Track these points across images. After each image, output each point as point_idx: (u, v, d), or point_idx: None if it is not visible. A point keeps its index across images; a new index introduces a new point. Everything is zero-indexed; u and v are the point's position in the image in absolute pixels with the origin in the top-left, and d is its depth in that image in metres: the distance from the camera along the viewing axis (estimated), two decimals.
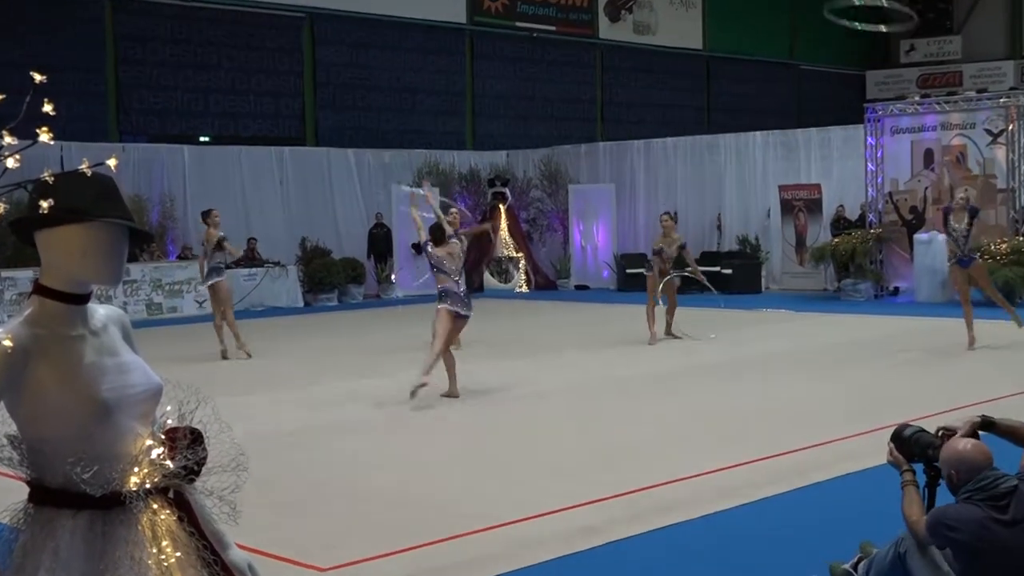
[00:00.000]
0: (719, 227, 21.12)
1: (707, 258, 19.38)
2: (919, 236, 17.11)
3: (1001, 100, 17.57)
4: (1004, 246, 16.14)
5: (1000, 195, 17.01)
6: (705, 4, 29.91)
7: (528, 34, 26.02)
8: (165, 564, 2.35)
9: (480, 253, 20.53)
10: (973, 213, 11.48)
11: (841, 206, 19.35)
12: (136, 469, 2.36)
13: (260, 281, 18.63)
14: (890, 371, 10.53)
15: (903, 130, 17.93)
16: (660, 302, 13.00)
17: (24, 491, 2.41)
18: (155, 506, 2.39)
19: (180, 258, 18.53)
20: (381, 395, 9.52)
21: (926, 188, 17.62)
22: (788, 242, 20.02)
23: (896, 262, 17.97)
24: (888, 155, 17.98)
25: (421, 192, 11.21)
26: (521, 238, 22.31)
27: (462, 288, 9.51)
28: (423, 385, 9.09)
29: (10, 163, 2.12)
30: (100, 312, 2.48)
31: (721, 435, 7.71)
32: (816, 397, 9.20)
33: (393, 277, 20.52)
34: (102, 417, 2.33)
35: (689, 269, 13.64)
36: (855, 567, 4.38)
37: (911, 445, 4.16)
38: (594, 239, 22.02)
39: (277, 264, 19.13)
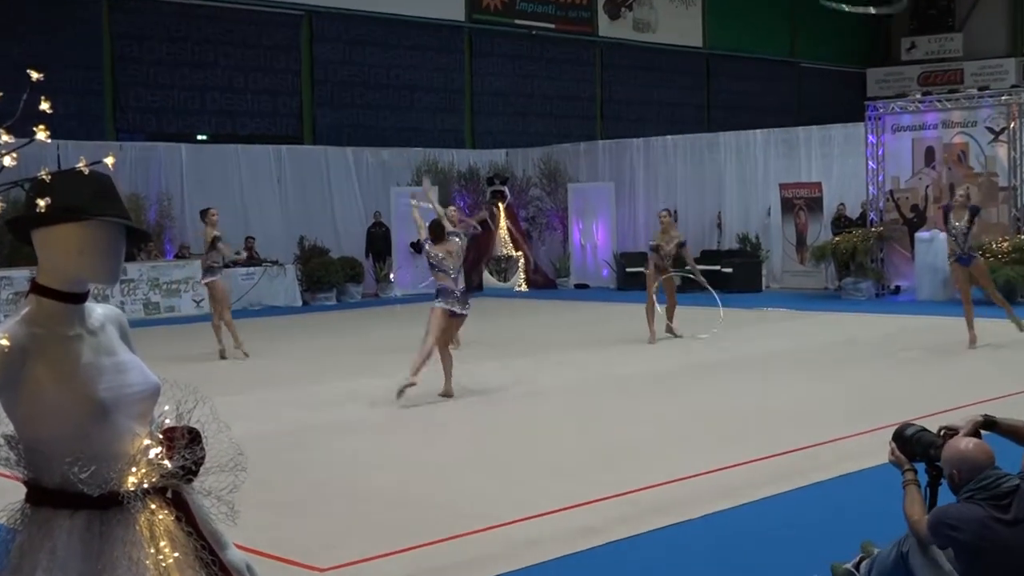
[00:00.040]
0: (719, 226, 21.10)
1: (707, 257, 19.39)
2: (920, 234, 17.11)
3: (1002, 98, 17.54)
4: (1006, 244, 16.13)
5: (1002, 193, 16.99)
6: (705, 1, 29.90)
7: (527, 32, 26.00)
8: (163, 564, 2.34)
9: (479, 252, 20.51)
10: (974, 212, 11.47)
11: (842, 204, 19.33)
12: (134, 469, 2.35)
13: (258, 280, 18.60)
14: (891, 370, 10.52)
15: (904, 128, 17.91)
16: (657, 301, 12.94)
17: (21, 491, 2.40)
18: (153, 506, 2.38)
19: (178, 257, 18.49)
20: (380, 395, 9.50)
21: (927, 186, 17.60)
22: (789, 241, 20.00)
23: (897, 261, 17.96)
24: (889, 153, 17.96)
25: (418, 205, 10.82)
26: (520, 237, 22.29)
27: (460, 286, 9.48)
28: (411, 385, 9.08)
29: (7, 161, 2.11)
30: (97, 311, 2.48)
31: (721, 434, 7.70)
32: (817, 396, 9.19)
33: (392, 276, 20.50)
34: (99, 417, 2.32)
35: (688, 268, 13.62)
36: (857, 567, 4.37)
37: (913, 444, 4.15)
38: (593, 238, 22.01)
39: (275, 263, 19.10)
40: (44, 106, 2.21)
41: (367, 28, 23.15)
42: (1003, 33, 33.69)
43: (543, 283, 22.06)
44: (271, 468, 6.53)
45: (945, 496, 4.02)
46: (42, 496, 2.34)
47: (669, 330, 13.19)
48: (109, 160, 2.36)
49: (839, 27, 33.39)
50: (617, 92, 27.91)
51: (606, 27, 27.74)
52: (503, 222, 22.00)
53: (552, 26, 26.47)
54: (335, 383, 10.45)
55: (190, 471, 2.43)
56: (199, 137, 21.06)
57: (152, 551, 2.34)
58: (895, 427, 4.32)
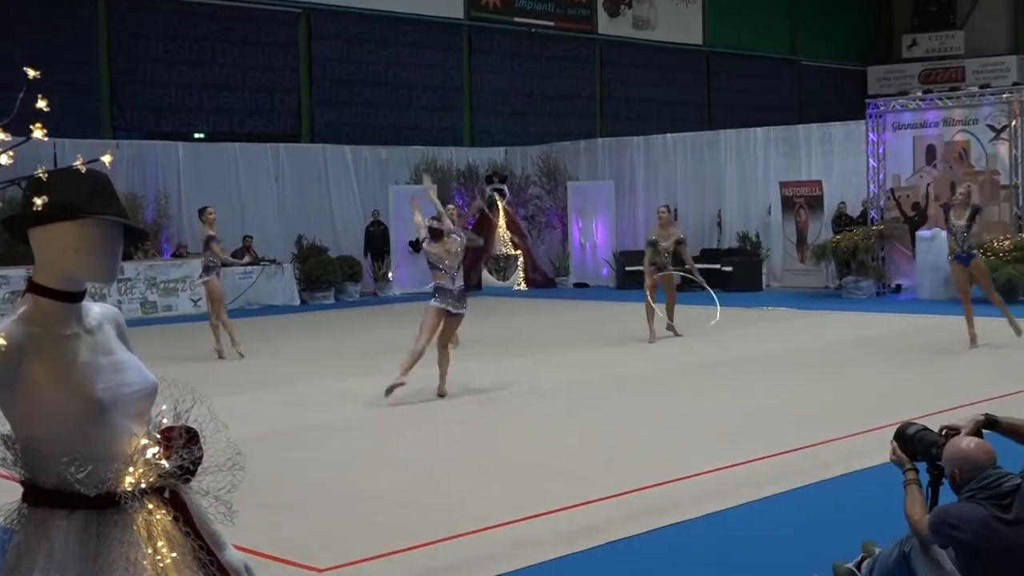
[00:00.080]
0: (719, 224, 21.09)
1: (707, 255, 19.37)
2: (921, 233, 17.10)
3: (1004, 95, 17.52)
4: (1007, 243, 16.12)
5: (1003, 191, 16.98)
6: None
7: (526, 29, 25.98)
8: (161, 565, 2.33)
9: (478, 251, 20.49)
10: (975, 211, 11.46)
11: (842, 203, 19.31)
12: (131, 469, 2.34)
13: (256, 279, 18.57)
14: (892, 369, 10.51)
15: (905, 126, 17.89)
16: (656, 301, 12.89)
17: (18, 491, 2.38)
18: (150, 506, 2.37)
19: (175, 256, 18.47)
20: (379, 395, 9.45)
21: (928, 184, 17.58)
22: (789, 239, 19.99)
23: (898, 259, 17.94)
24: (890, 151, 17.94)
25: (418, 218, 10.58)
26: (519, 235, 22.27)
27: (456, 286, 9.44)
28: (399, 384, 9.07)
29: (3, 160, 2.10)
30: (94, 310, 2.47)
31: (721, 434, 7.68)
32: (817, 396, 9.17)
33: (390, 275, 20.48)
34: (97, 416, 2.31)
35: (687, 267, 13.59)
36: (858, 566, 4.36)
37: (914, 444, 4.14)
38: (593, 236, 21.98)
39: (273, 262, 19.08)
40: (41, 104, 2.20)
41: (366, 26, 23.13)
42: (1005, 30, 33.67)
43: (542, 282, 22.04)
44: (270, 468, 6.52)
45: (946, 495, 4.01)
46: (39, 496, 2.33)
47: (670, 328, 13.17)
48: (106, 158, 2.35)
49: (840, 24, 33.41)
50: (617, 90, 27.89)
51: (606, 25, 27.72)
52: (502, 220, 21.99)
53: (551, 24, 26.45)
54: (334, 383, 10.43)
55: (188, 471, 2.42)
56: (196, 135, 21.04)
57: (150, 551, 2.33)
58: (896, 426, 4.31)
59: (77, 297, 2.38)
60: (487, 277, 21.76)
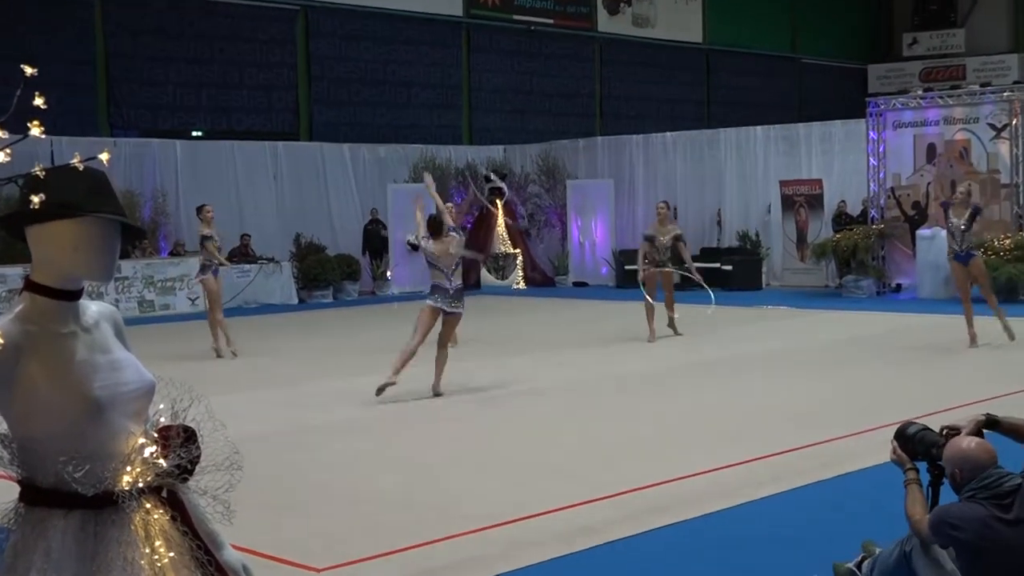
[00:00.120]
0: (719, 223, 21.07)
1: (707, 254, 19.36)
2: (922, 232, 17.08)
3: (1005, 94, 17.49)
4: (1008, 242, 16.10)
5: (1004, 190, 16.96)
6: None
7: (525, 27, 25.96)
8: (158, 564, 2.33)
9: (477, 250, 20.45)
10: (976, 211, 11.45)
11: (843, 201, 19.30)
12: (129, 468, 2.34)
13: (253, 278, 18.54)
14: (892, 368, 10.50)
15: (905, 124, 17.88)
16: (653, 298, 12.87)
17: (15, 491, 2.37)
18: (148, 505, 2.37)
19: (172, 254, 18.45)
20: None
21: (929, 183, 17.56)
22: (789, 238, 19.98)
23: (898, 258, 17.93)
24: (890, 150, 17.93)
25: (419, 217, 10.51)
26: (518, 234, 22.25)
27: (454, 285, 9.41)
28: (390, 383, 9.06)
29: (1, 157, 2.09)
30: (92, 309, 2.46)
31: (721, 434, 7.67)
32: (817, 395, 9.16)
33: (388, 274, 20.45)
34: (94, 415, 2.31)
35: (685, 266, 13.56)
36: (859, 566, 4.35)
37: (915, 443, 4.14)
38: (592, 235, 21.96)
39: (271, 260, 19.06)
40: (38, 101, 2.19)
41: (364, 23, 23.10)
42: (1005, 29, 33.66)
43: (541, 281, 22.02)
44: (270, 468, 6.51)
45: (947, 495, 4.01)
46: (36, 495, 2.32)
47: (671, 324, 13.14)
48: (104, 156, 2.35)
49: (840, 22, 33.40)
50: (616, 88, 27.87)
51: (605, 22, 27.70)
52: (500, 219, 21.96)
53: (551, 21, 26.43)
54: (332, 382, 10.42)
55: (186, 470, 2.41)
56: (194, 133, 21.02)
57: (147, 551, 2.32)
58: (896, 426, 4.30)
59: (74, 295, 2.38)
60: (486, 276, 21.73)
